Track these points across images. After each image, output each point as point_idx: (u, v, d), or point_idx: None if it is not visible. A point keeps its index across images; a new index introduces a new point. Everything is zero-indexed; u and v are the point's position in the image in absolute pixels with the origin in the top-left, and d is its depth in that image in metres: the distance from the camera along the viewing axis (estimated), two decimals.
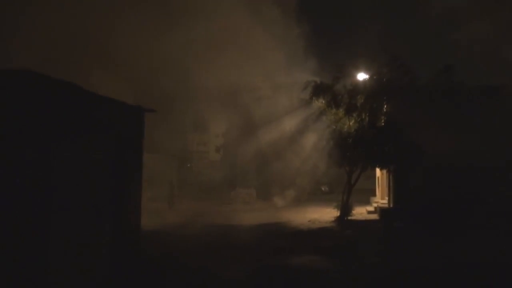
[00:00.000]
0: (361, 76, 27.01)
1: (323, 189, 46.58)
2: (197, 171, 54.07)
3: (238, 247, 17.81)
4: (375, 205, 30.58)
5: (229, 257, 15.96)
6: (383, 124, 25.75)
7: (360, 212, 29.57)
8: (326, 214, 28.71)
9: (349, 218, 26.72)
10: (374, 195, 35.46)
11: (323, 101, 26.68)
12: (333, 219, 26.69)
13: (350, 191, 27.22)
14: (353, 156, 25.61)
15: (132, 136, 14.02)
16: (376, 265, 14.78)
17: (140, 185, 14.35)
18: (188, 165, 52.73)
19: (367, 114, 25.73)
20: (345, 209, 26.83)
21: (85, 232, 11.59)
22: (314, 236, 21.03)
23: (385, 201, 29.09)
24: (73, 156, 10.94)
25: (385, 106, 26.02)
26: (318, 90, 26.53)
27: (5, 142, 9.42)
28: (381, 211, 26.78)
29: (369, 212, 29.67)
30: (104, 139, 12.51)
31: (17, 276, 9.39)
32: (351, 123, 25.98)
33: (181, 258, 15.35)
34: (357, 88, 26.10)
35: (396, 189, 25.98)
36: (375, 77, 26.10)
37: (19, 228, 9.43)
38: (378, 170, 31.85)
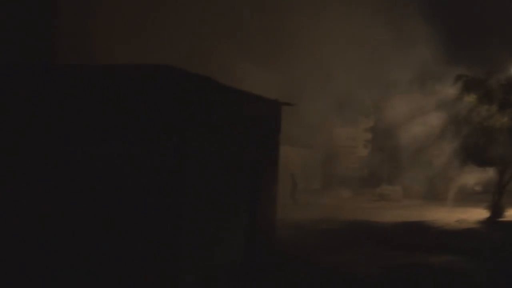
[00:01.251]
0: None
1: (476, 188, 44.64)
2: (344, 166, 53.93)
3: (374, 244, 17.77)
4: None
5: (364, 254, 15.99)
6: None
7: None
8: (476, 215, 27.63)
9: (500, 220, 25.61)
10: None
11: (475, 96, 25.77)
12: (482, 220, 25.70)
13: (501, 192, 26.07)
14: (505, 154, 24.48)
15: (269, 130, 14.45)
16: None
17: (276, 180, 14.75)
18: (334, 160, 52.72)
19: None
20: (496, 210, 25.76)
21: (220, 226, 12.12)
22: (458, 237, 20.47)
23: None
24: (209, 148, 11.51)
25: None
26: (470, 85, 25.73)
27: (143, 134, 10.20)
28: None
29: None
30: (240, 133, 13.00)
31: (150, 270, 10.10)
32: (504, 120, 24.87)
33: (314, 254, 15.50)
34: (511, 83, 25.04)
35: None
36: None
37: (152, 218, 10.14)
38: None
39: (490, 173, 28.40)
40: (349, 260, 14.83)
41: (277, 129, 14.80)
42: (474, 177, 38.85)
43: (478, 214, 27.56)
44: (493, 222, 25.07)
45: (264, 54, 31.92)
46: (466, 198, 37.59)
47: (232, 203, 12.73)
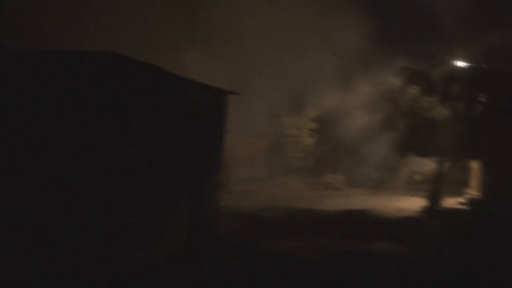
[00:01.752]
0: (458, 64, 26.60)
1: (416, 178, 45.82)
2: (290, 155, 54.34)
3: (317, 231, 18.20)
4: (467, 197, 29.97)
5: (307, 241, 16.37)
6: (479, 114, 25.16)
7: (451, 203, 29.07)
8: (415, 204, 28.42)
9: (438, 208, 26.41)
10: (468, 186, 34.63)
11: (417, 88, 26.44)
12: (421, 209, 26.47)
13: (440, 181, 26.87)
14: (445, 145, 25.24)
15: (215, 118, 14.63)
16: (452, 257, 14.75)
17: (220, 167, 14.97)
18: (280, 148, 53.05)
19: (463, 103, 25.29)
20: (434, 200, 26.55)
21: (164, 213, 12.29)
22: (397, 224, 21.11)
23: (478, 193, 28.45)
24: (153, 136, 11.62)
25: (482, 96, 25.41)
26: (413, 77, 26.39)
27: (87, 121, 10.23)
28: (472, 203, 26.31)
29: (460, 204, 29.13)
30: (186, 121, 13.16)
31: (92, 256, 10.20)
32: (444, 112, 25.61)
33: (258, 242, 15.76)
34: (453, 76, 25.72)
35: (489, 182, 25.41)
36: (472, 65, 25.62)
37: (95, 204, 10.23)
38: (474, 161, 31.15)
39: (430, 163, 29.22)
40: (293, 247, 15.16)
41: (222, 118, 14.98)
42: (415, 167, 40.06)
43: (418, 203, 28.35)
44: (431, 210, 25.80)
45: (212, 43, 32.01)
46: (407, 187, 38.59)
47: (177, 190, 12.90)
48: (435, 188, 27.02)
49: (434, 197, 26.67)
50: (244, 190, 32.74)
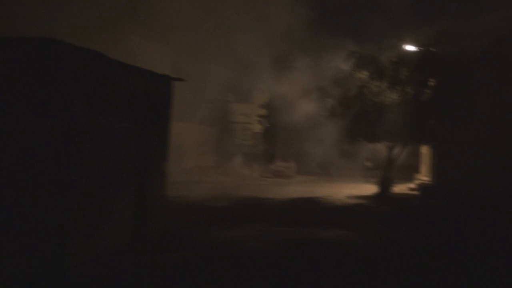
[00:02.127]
0: (407, 48, 27.02)
1: (367, 164, 46.54)
2: (239, 142, 54.45)
3: (267, 220, 18.37)
4: (417, 182, 30.72)
5: (257, 230, 16.52)
6: (428, 98, 25.64)
7: (401, 189, 29.77)
8: (366, 190, 28.99)
9: (389, 194, 26.98)
10: (419, 172, 35.44)
11: (366, 73, 26.79)
12: (372, 195, 27.00)
13: (390, 167, 27.43)
14: (394, 130, 25.70)
15: (160, 105, 14.57)
16: (403, 241, 15.16)
17: (166, 156, 14.95)
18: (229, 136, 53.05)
19: (412, 87, 25.74)
20: (385, 186, 27.10)
21: (108, 203, 12.23)
22: (348, 212, 21.52)
23: (428, 178, 29.18)
24: (97, 124, 11.56)
25: (431, 80, 25.89)
26: (362, 62, 26.72)
27: (29, 109, 10.10)
28: (421, 188, 26.96)
29: (411, 189, 29.85)
30: (130, 108, 13.09)
31: (35, 243, 10.09)
32: (394, 97, 26.04)
33: (207, 232, 15.79)
34: (402, 60, 26.13)
35: (439, 166, 26.04)
36: (420, 48, 26.07)
37: (37, 195, 10.10)
38: (423, 146, 31.85)
39: (380, 148, 29.77)
40: (243, 236, 15.25)
41: (168, 105, 14.92)
42: (366, 153, 40.69)
43: (368, 189, 28.93)
44: (382, 196, 26.34)
45: (158, 29, 31.78)
46: (357, 174, 39.24)
47: (122, 180, 12.84)
48: (385, 174, 27.57)
49: (384, 184, 27.22)
50: (192, 179, 32.76)
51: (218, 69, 39.39)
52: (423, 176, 31.78)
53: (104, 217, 11.92)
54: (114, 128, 12.30)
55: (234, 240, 14.65)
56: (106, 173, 12.02)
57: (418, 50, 26.18)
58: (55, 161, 10.22)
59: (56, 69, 10.24)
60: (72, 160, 10.58)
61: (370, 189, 28.45)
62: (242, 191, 27.46)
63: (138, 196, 13.55)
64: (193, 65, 32.85)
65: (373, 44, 27.92)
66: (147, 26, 30.86)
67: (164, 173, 14.91)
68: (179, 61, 33.76)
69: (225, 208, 21.10)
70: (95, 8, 24.70)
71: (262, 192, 27.93)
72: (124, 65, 12.41)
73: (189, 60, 32.29)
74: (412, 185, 30.91)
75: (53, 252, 10.27)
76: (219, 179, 35.34)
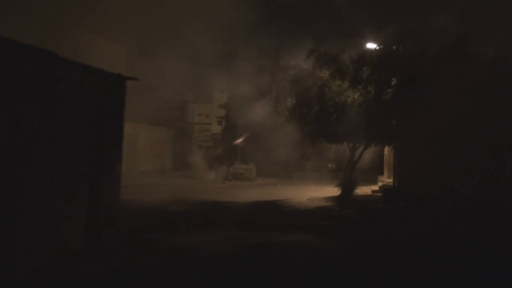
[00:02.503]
0: (369, 46, 27.17)
1: (329, 166, 46.92)
2: (198, 144, 54.31)
3: (227, 225, 18.29)
4: (380, 184, 31.00)
5: (217, 235, 16.42)
6: (389, 97, 25.82)
7: (365, 191, 29.98)
8: (328, 193, 29.15)
9: (351, 197, 27.12)
10: (382, 173, 35.81)
11: (327, 72, 26.90)
12: (334, 198, 27.12)
13: (352, 169, 27.61)
14: (356, 131, 25.88)
15: (112, 105, 14.37)
16: (367, 245, 15.23)
17: (120, 158, 14.75)
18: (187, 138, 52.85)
19: (373, 86, 25.88)
20: (347, 188, 27.24)
21: (60, 208, 12.01)
22: (310, 215, 21.51)
23: (391, 180, 29.44)
24: (47, 125, 11.34)
25: (392, 79, 26.08)
26: (322, 60, 26.81)
27: None
28: (384, 190, 27.12)
29: (374, 192, 30.06)
30: (81, 109, 12.88)
31: None
32: (355, 96, 26.20)
33: (164, 237, 15.63)
34: (363, 59, 26.22)
35: (402, 168, 26.20)
36: (382, 47, 26.24)
37: None
38: (386, 147, 32.09)
39: (343, 149, 30.01)
40: (202, 241, 15.11)
41: (121, 105, 14.72)
42: (327, 154, 41.00)
43: (331, 191, 29.06)
44: (344, 199, 26.45)
45: (111, 25, 31.44)
46: (320, 175, 39.47)
47: (74, 184, 12.62)
48: (348, 176, 27.74)
49: (347, 186, 27.36)
50: (148, 182, 32.57)
51: (175, 68, 39.20)
52: (386, 178, 32.11)
53: (54, 222, 11.70)
54: (64, 129, 12.07)
55: (194, 245, 14.51)
56: (56, 176, 11.80)
57: (380, 48, 26.34)
58: (1, 164, 10.00)
59: (1, 68, 10.03)
60: (19, 163, 10.38)
61: (332, 191, 28.58)
62: (201, 195, 27.40)
63: (91, 200, 13.34)
64: (148, 64, 32.61)
65: (335, 43, 27.98)
66: (100, 23, 30.55)
67: (119, 175, 14.70)
68: (133, 59, 33.48)
69: (184, 213, 20.96)
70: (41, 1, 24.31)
71: (222, 195, 27.87)
72: (74, 63, 12.22)
73: (144, 59, 32.02)
74: (375, 187, 31.17)
75: (1, 260, 10.04)
76: (177, 182, 35.20)
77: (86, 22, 29.89)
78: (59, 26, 25.35)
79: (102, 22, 30.42)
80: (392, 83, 25.85)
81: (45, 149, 11.30)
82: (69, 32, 27.86)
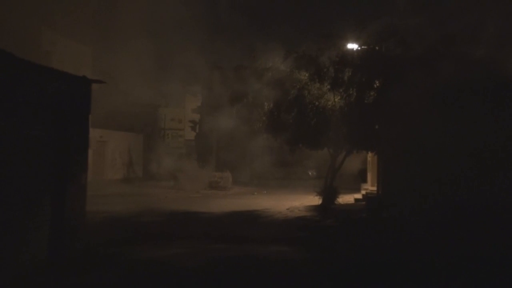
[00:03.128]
0: (350, 46, 27.10)
1: (310, 173, 46.95)
2: (170, 151, 54.07)
3: (201, 236, 18.18)
4: (364, 192, 31.02)
5: (190, 247, 16.31)
6: (372, 101, 25.72)
7: (347, 200, 29.98)
8: (309, 202, 29.11)
9: (333, 206, 27.07)
10: (365, 181, 35.85)
11: (306, 74, 26.81)
12: (315, 207, 27.05)
13: (334, 176, 27.56)
14: (337, 136, 25.85)
15: (77, 110, 14.19)
16: (348, 258, 15.19)
17: (85, 166, 14.59)
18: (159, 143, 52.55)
19: (355, 89, 25.79)
20: (329, 197, 27.17)
21: (20, 219, 11.84)
22: (289, 226, 21.42)
23: (375, 188, 29.42)
24: (6, 132, 11.18)
25: (375, 81, 26.00)
26: (301, 62, 26.71)
27: None
28: (368, 199, 27.07)
29: (357, 200, 30.07)
30: (43, 114, 12.72)
31: None
32: (336, 99, 26.10)
33: (134, 249, 15.52)
34: (344, 60, 26.10)
35: (385, 175, 26.14)
36: (364, 47, 26.21)
37: None
38: (369, 154, 32.12)
39: (324, 156, 29.97)
40: (174, 254, 15.00)
41: (86, 109, 14.55)
42: (308, 161, 41.04)
43: (311, 200, 29.01)
44: (325, 209, 26.36)
45: (77, 26, 31.24)
46: (300, 184, 39.45)
47: (34, 193, 12.45)
48: (329, 184, 27.68)
49: (329, 194, 27.29)
50: (117, 192, 32.35)
51: (146, 71, 39.04)
52: (370, 186, 32.13)
53: (13, 235, 11.52)
54: (24, 135, 11.90)
55: (165, 258, 14.38)
56: (16, 185, 11.62)
57: (362, 48, 26.31)
58: None
59: None
60: None
61: (313, 200, 28.52)
62: (173, 205, 27.25)
63: (55, 211, 13.17)
64: (117, 67, 32.43)
65: (314, 43, 27.84)
66: (66, 23, 30.36)
67: (84, 185, 14.54)
68: (101, 62, 33.31)
69: (155, 224, 20.83)
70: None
71: (195, 205, 27.73)
72: (34, 65, 12.05)
73: (112, 61, 31.83)
74: (358, 196, 31.18)
75: None
76: (147, 191, 34.98)
77: (51, 22, 29.65)
78: (21, 26, 25.09)
79: (67, 22, 30.22)
80: (375, 85, 25.74)
81: (1, 157, 11.12)
82: (32, 32, 27.60)
